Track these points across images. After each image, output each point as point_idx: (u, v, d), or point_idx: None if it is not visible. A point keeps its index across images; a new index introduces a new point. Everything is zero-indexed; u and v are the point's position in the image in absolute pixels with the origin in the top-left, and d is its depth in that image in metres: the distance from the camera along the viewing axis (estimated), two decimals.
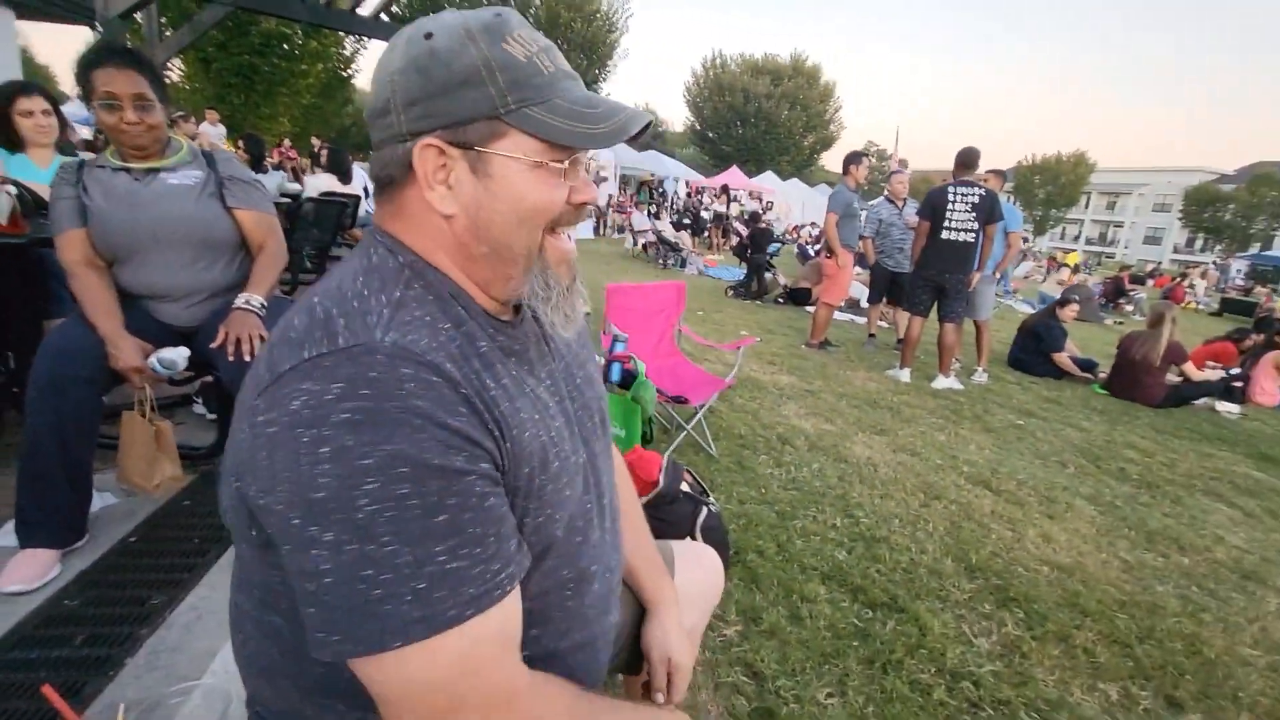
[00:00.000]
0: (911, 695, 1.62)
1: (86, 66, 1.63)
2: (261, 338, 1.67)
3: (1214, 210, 47.50)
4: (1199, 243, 53.30)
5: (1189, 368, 5.29)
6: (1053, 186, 47.58)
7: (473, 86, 0.60)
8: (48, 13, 5.03)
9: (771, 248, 9.55)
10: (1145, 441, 4.12)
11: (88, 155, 1.80)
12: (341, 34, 15.61)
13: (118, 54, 1.67)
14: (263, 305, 1.77)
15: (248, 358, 1.63)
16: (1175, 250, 56.40)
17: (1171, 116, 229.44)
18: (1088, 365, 5.72)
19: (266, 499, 0.55)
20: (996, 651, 1.84)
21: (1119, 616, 2.06)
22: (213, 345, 1.68)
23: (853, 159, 5.45)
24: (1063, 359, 5.63)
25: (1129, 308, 13.86)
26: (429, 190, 0.63)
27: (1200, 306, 17.80)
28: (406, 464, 0.53)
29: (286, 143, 11.89)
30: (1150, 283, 19.15)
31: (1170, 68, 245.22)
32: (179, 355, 1.71)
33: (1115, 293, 14.36)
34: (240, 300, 1.76)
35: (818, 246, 12.41)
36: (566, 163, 0.64)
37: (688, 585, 1.07)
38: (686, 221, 15.14)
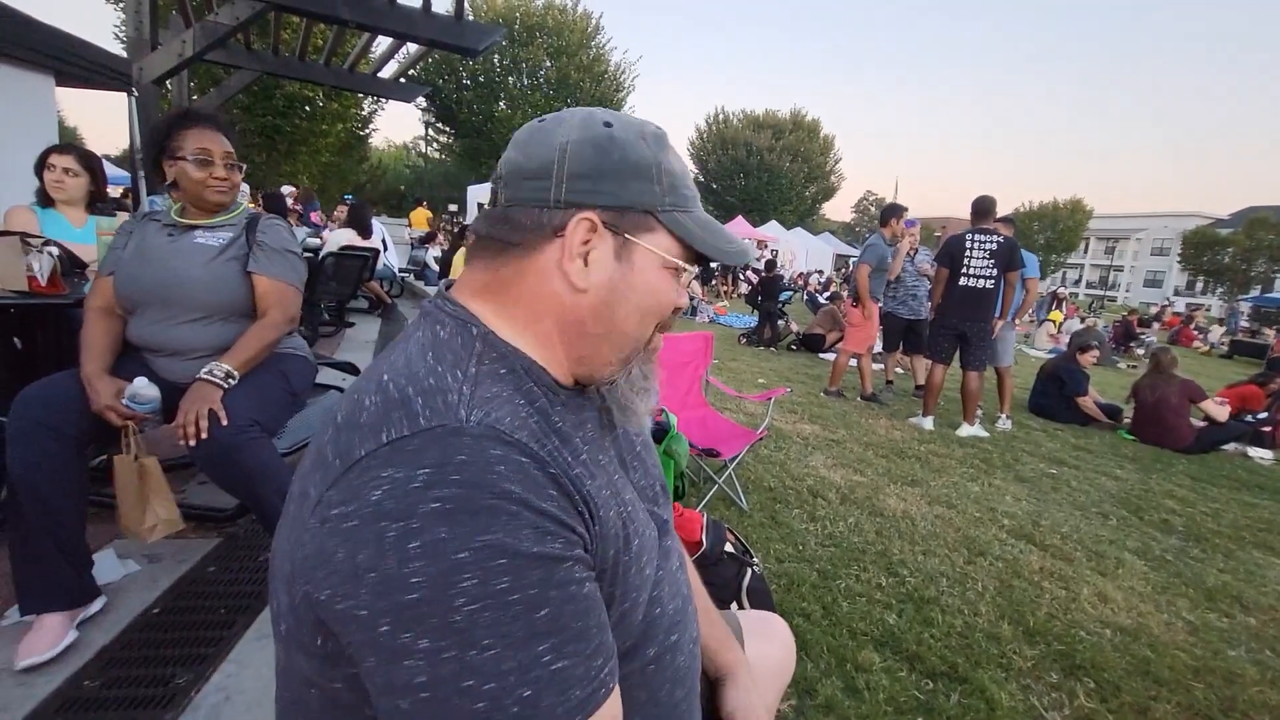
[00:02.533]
0: None
1: (176, 127, 1.70)
2: (213, 413, 1.55)
3: (1213, 253, 47.90)
4: (1199, 285, 53.57)
5: (1209, 406, 5.20)
6: (1051, 232, 48.21)
7: (642, 179, 0.64)
8: (87, 80, 5.22)
9: (783, 295, 9.60)
10: (1183, 490, 3.99)
11: (161, 201, 1.84)
12: (361, 95, 16.23)
13: (209, 117, 1.75)
14: (229, 375, 1.64)
15: (193, 442, 1.52)
16: (1176, 292, 56.67)
17: (1165, 163, 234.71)
18: (1112, 411, 5.63)
19: (346, 604, 0.49)
20: None
21: (1195, 685, 1.93)
22: (173, 425, 1.57)
23: (892, 211, 5.47)
24: (1087, 403, 5.54)
25: (1140, 350, 13.81)
26: (569, 261, 0.62)
27: (1212, 348, 17.71)
28: (505, 555, 0.48)
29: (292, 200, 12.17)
30: (1156, 325, 19.17)
31: (1163, 114, 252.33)
32: (151, 390, 1.63)
33: (1125, 336, 14.34)
34: (204, 370, 1.63)
35: (827, 294, 12.50)
36: (697, 270, 0.69)
37: (760, 661, 1.00)
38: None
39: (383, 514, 0.48)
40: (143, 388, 1.61)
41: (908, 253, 5.92)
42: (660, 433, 2.68)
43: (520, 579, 0.49)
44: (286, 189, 10.53)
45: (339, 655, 0.52)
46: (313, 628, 0.53)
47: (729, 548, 2.02)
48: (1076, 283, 62.06)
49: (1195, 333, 18.37)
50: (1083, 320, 14.55)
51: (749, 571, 1.96)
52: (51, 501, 1.51)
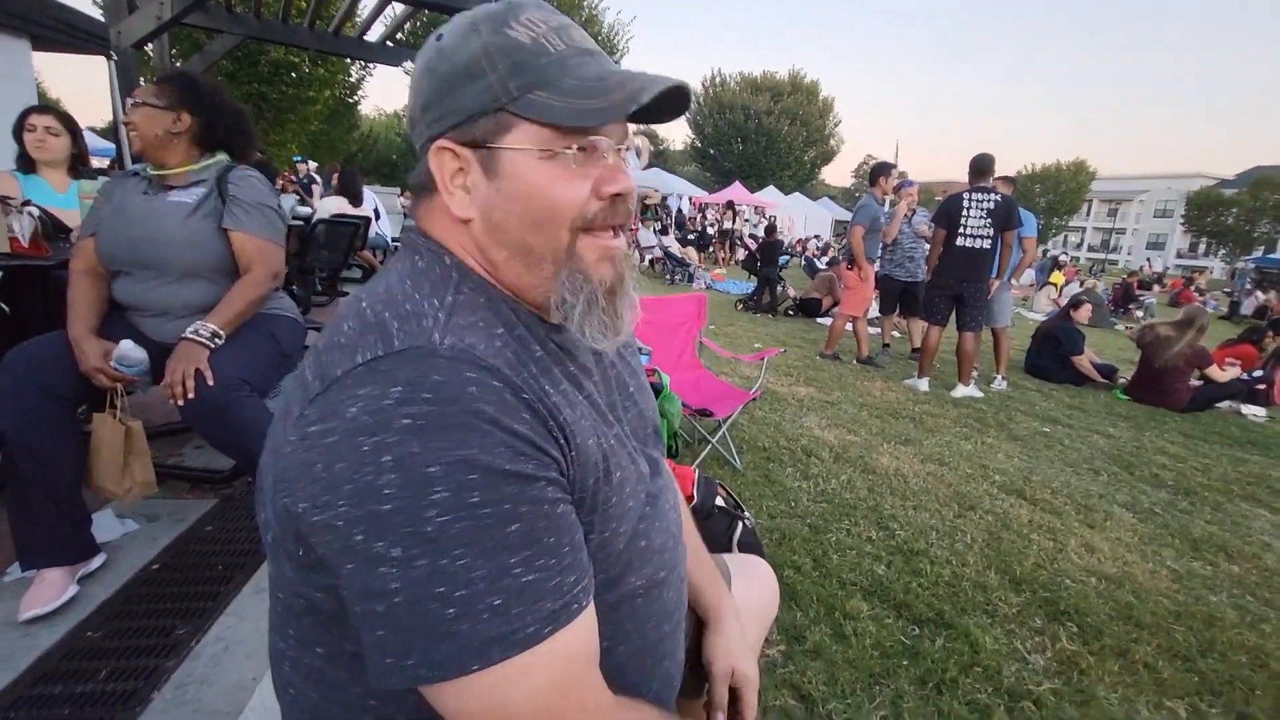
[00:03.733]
0: (970, 717, 1.54)
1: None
2: (198, 372, 1.55)
3: (1216, 215, 47.46)
4: (1202, 247, 53.21)
5: (1213, 371, 5.20)
6: (1053, 195, 47.67)
7: (474, 79, 0.57)
8: (64, 44, 5.08)
9: (781, 260, 9.53)
10: (1175, 447, 4.03)
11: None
12: (348, 61, 15.83)
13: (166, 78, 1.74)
14: (215, 335, 1.63)
15: (181, 401, 1.53)
16: (1179, 255, 56.33)
17: (1169, 123, 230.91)
18: (1108, 371, 5.65)
19: (323, 515, 0.50)
20: (1053, 668, 1.76)
21: (1176, 629, 1.97)
22: (160, 384, 1.58)
23: (881, 169, 5.40)
24: (1083, 362, 5.56)
25: (1139, 312, 13.78)
26: (447, 195, 0.61)
27: (1210, 310, 17.65)
28: (476, 470, 0.49)
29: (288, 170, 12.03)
30: (1157, 288, 19.04)
31: (1167, 75, 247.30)
32: (139, 352, 1.62)
33: (1124, 298, 14.30)
34: (189, 330, 1.62)
35: (825, 259, 12.42)
36: (575, 149, 0.58)
37: (745, 601, 1.02)
38: (692, 237, 15.17)
39: (358, 429, 0.49)
40: (129, 350, 1.61)
41: (905, 214, 5.86)
42: (653, 392, 2.69)
43: (492, 493, 0.49)
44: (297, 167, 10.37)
45: (319, 565, 0.54)
46: (294, 538, 0.54)
47: (720, 502, 2.04)
48: (1078, 246, 61.58)
49: (1196, 295, 18.29)
50: (1082, 283, 14.48)
51: (740, 525, 1.99)
52: (48, 459, 1.53)
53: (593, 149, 0.59)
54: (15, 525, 1.54)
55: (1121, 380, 5.52)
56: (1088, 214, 62.07)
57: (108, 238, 1.70)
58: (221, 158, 1.82)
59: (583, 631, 0.54)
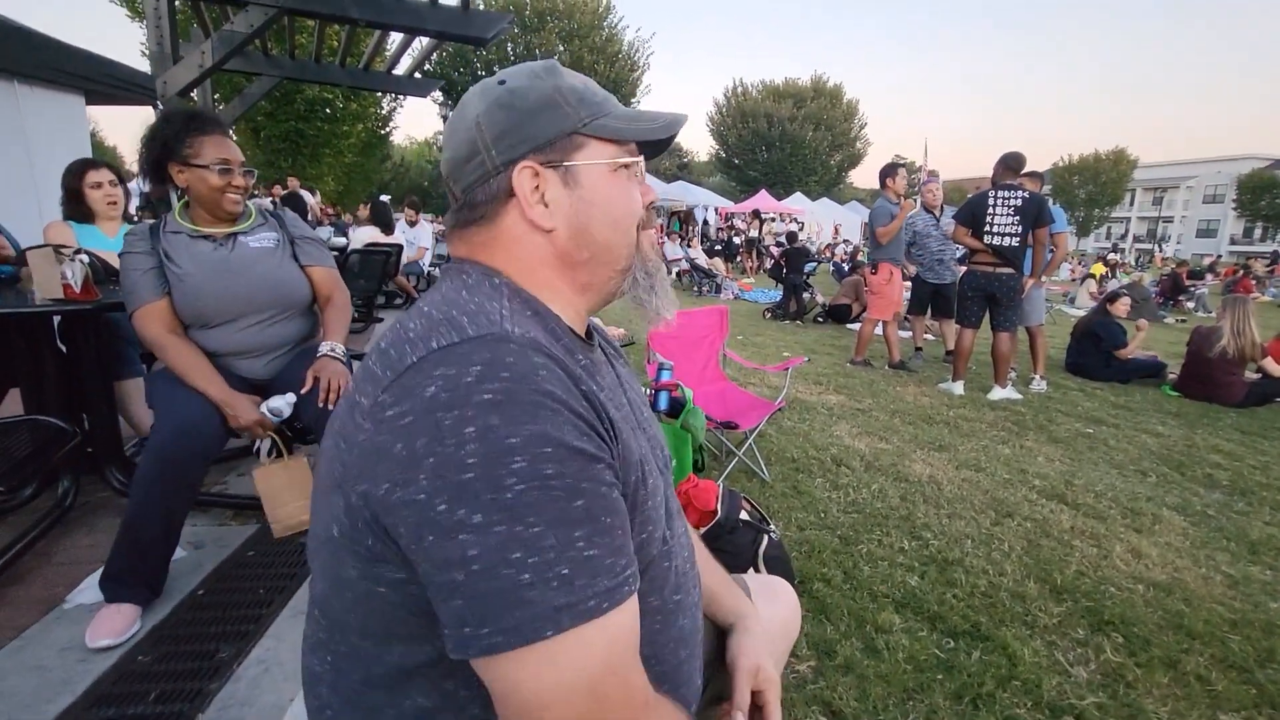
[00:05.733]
0: None
1: (191, 131, 1.71)
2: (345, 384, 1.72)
3: (1271, 198, 45.18)
4: (1257, 232, 50.68)
5: (1270, 364, 4.95)
6: (1093, 186, 46.14)
7: (551, 109, 0.68)
8: (114, 96, 5.42)
9: (808, 266, 9.46)
10: (1230, 444, 3.84)
11: (149, 221, 1.90)
12: (379, 94, 16.41)
13: (219, 122, 1.79)
14: (345, 352, 1.85)
15: (332, 405, 1.68)
16: (1232, 241, 53.71)
17: (1213, 104, 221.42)
18: (1156, 366, 5.42)
19: (404, 491, 0.52)
20: (1098, 681, 1.69)
21: (1231, 638, 1.88)
22: (304, 390, 1.74)
23: (888, 171, 5.36)
24: (1129, 354, 5.37)
25: (1190, 304, 13.18)
26: (530, 209, 0.68)
27: (1270, 298, 16.79)
28: (550, 444, 0.53)
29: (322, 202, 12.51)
30: (1210, 278, 18.19)
31: (1207, 53, 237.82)
32: (285, 401, 1.78)
33: (1174, 290, 13.69)
34: (325, 348, 1.83)
35: (851, 263, 12.27)
36: (637, 161, 0.72)
37: (766, 620, 1.01)
38: (718, 247, 15.17)
39: (438, 405, 0.52)
40: (282, 402, 1.77)
41: (934, 211, 5.76)
42: (677, 407, 2.70)
43: (564, 466, 0.53)
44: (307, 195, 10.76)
45: (390, 555, 0.56)
46: (368, 527, 0.56)
47: (745, 516, 2.04)
48: (1123, 237, 59.33)
49: (1253, 283, 17.40)
50: (1101, 282, 13.89)
51: (765, 538, 1.98)
52: (175, 517, 1.67)
53: (636, 167, 0.73)
54: (119, 559, 1.64)
55: (1171, 376, 5.29)
56: (1131, 204, 59.87)
57: (203, 293, 1.76)
58: (249, 204, 1.92)
59: (631, 615, 0.56)
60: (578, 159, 0.68)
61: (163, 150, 1.72)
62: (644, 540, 0.64)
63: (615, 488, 0.58)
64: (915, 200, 5.57)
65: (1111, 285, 12.63)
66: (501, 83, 0.70)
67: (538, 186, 0.68)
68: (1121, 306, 5.66)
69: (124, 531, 1.63)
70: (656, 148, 0.76)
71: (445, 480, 0.51)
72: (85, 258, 1.92)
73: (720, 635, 0.92)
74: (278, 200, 8.24)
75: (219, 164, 1.73)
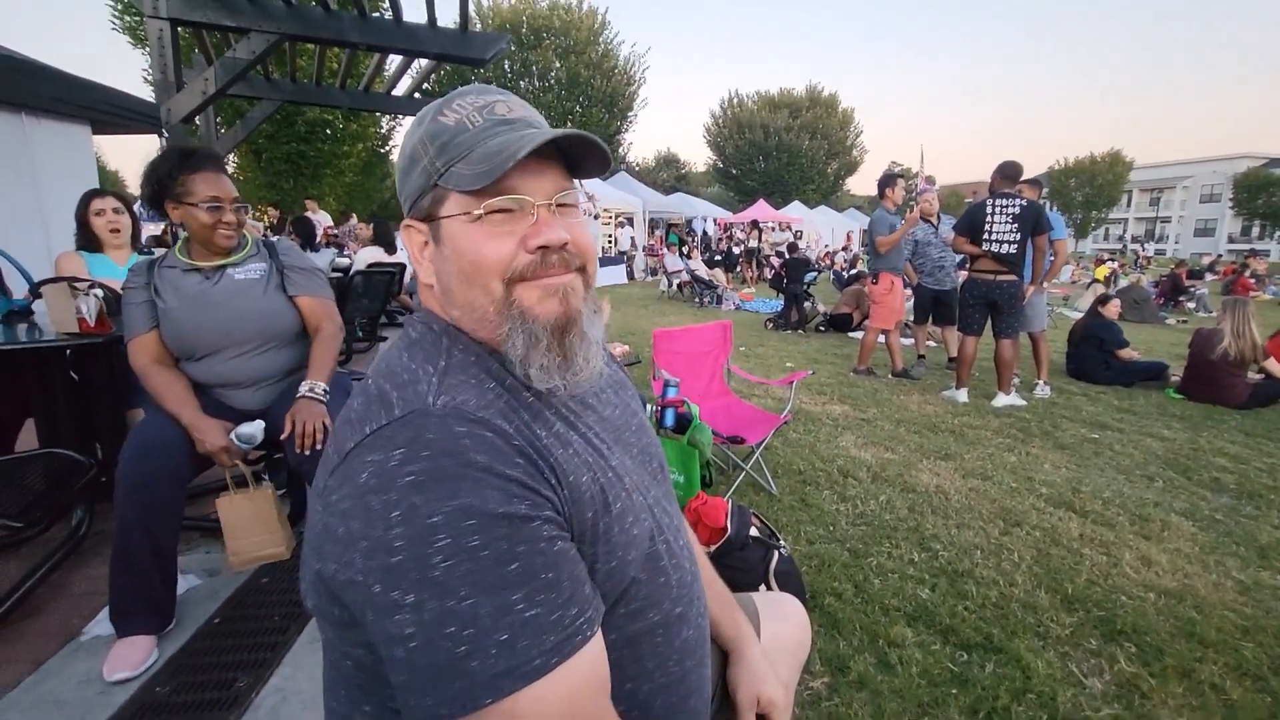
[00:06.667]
0: None
1: (183, 169, 1.75)
2: (325, 425, 1.72)
3: (1268, 195, 45.24)
4: (1255, 230, 50.72)
5: (1272, 364, 4.95)
6: (1090, 188, 46.27)
7: (416, 165, 0.68)
8: (119, 125, 5.49)
9: (808, 276, 9.49)
10: (1236, 447, 3.84)
11: (160, 250, 1.91)
12: (379, 115, 16.57)
13: (214, 159, 1.81)
14: (325, 391, 1.83)
15: (308, 451, 1.68)
16: (1230, 240, 53.73)
17: (1207, 104, 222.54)
18: (1158, 369, 5.43)
19: (347, 572, 0.56)
20: (1112, 692, 1.69)
21: (1244, 645, 1.88)
22: (282, 437, 1.74)
23: (887, 181, 5.40)
24: (1131, 354, 5.40)
25: (1190, 304, 13.18)
26: (417, 265, 0.71)
27: (1270, 297, 16.78)
28: (473, 516, 0.54)
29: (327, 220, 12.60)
30: (1209, 277, 18.18)
31: (1201, 53, 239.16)
32: (255, 429, 1.78)
33: (1174, 290, 13.69)
34: (304, 389, 1.80)
35: (852, 272, 12.30)
36: (487, 210, 0.64)
37: (774, 638, 1.03)
38: (718, 258, 15.23)
39: (368, 491, 0.56)
40: (253, 429, 1.77)
41: (932, 219, 5.80)
42: (683, 423, 2.71)
43: (489, 535, 0.54)
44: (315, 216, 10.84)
45: (352, 623, 0.59)
46: (330, 599, 0.60)
47: (754, 532, 2.05)
48: (1120, 238, 59.39)
49: (1252, 281, 17.40)
50: (1106, 284, 13.91)
51: (776, 554, 1.99)
52: (162, 539, 1.67)
53: (515, 208, 0.65)
54: (118, 591, 1.66)
55: (1174, 378, 5.30)
56: (1128, 205, 59.99)
57: (186, 326, 1.79)
58: (246, 234, 1.93)
59: (588, 662, 0.58)
60: (441, 212, 0.67)
61: (158, 188, 1.76)
62: (614, 568, 0.65)
63: (559, 539, 0.59)
64: (914, 210, 5.61)
65: (1121, 285, 12.62)
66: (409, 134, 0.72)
67: (426, 242, 0.70)
68: (1112, 309, 5.69)
69: (114, 560, 1.65)
70: (591, 164, 0.70)
71: (377, 563, 0.54)
72: (100, 291, 1.96)
73: (724, 657, 0.93)
74: (272, 225, 8.29)
75: (208, 202, 1.76)
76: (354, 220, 11.82)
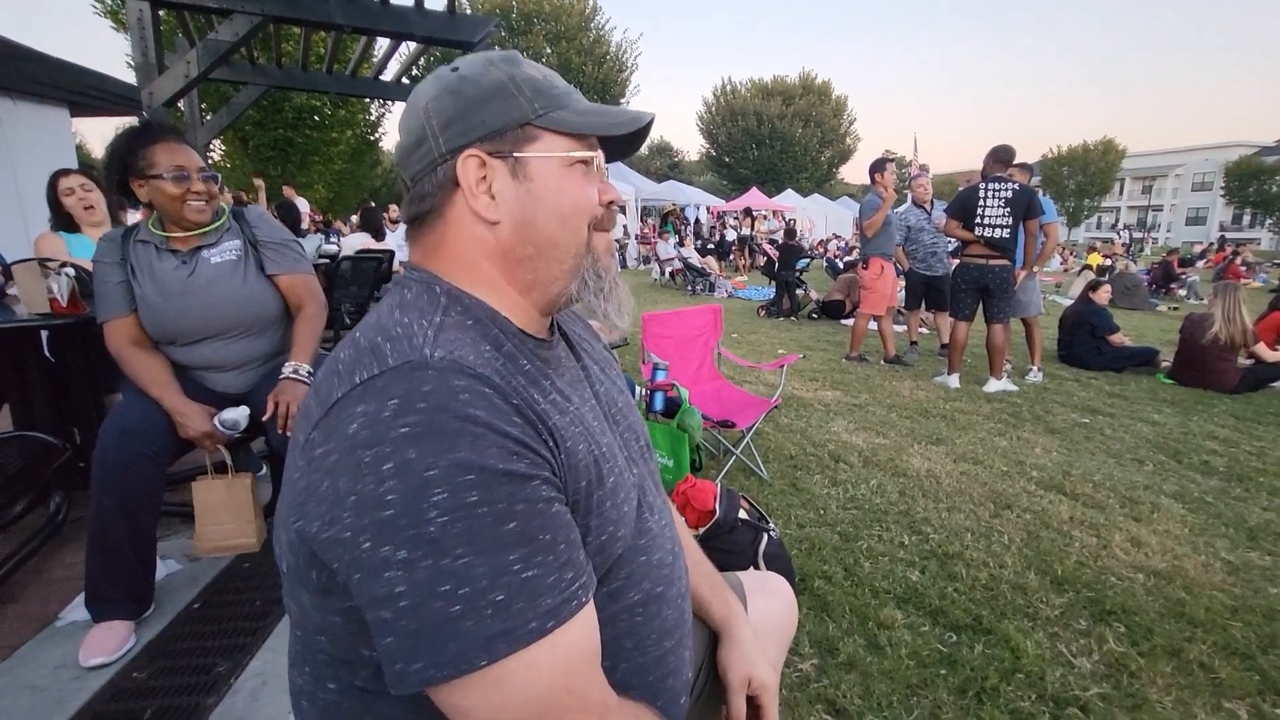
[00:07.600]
0: None
1: (141, 143, 1.64)
2: None
3: (1259, 183, 45.44)
4: (1246, 218, 51.04)
5: (1262, 349, 4.97)
6: (1082, 176, 46.32)
7: (503, 98, 0.65)
8: (99, 108, 5.38)
9: (801, 263, 9.46)
10: (1226, 430, 3.86)
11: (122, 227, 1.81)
12: (367, 101, 16.35)
13: (173, 130, 1.73)
14: (310, 373, 1.77)
15: (289, 432, 1.64)
16: (1222, 228, 54.00)
17: (1198, 93, 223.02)
18: (1149, 354, 5.45)
19: (332, 530, 0.52)
20: (1101, 672, 1.69)
21: (1233, 625, 1.88)
22: (264, 418, 1.69)
23: (877, 166, 5.37)
24: (1122, 339, 5.42)
25: (1182, 292, 13.25)
26: (474, 199, 0.65)
27: (1260, 284, 16.89)
28: (471, 471, 0.51)
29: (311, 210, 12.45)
30: (1200, 264, 18.28)
31: (1191, 41, 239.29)
32: (240, 414, 1.74)
33: (1165, 278, 13.76)
34: (288, 369, 1.75)
35: (848, 259, 12.29)
36: (583, 156, 0.67)
37: (762, 617, 1.01)
38: (711, 246, 15.17)
39: (358, 444, 0.52)
40: (237, 414, 1.73)
41: (925, 205, 5.78)
42: (673, 408, 2.69)
43: (488, 492, 0.51)
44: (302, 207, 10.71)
45: (333, 588, 0.56)
46: (308, 562, 0.56)
47: (743, 514, 2.03)
48: (1113, 226, 59.63)
49: (1243, 269, 17.49)
50: (1101, 272, 13.96)
51: (765, 537, 1.97)
52: (141, 524, 1.63)
53: (593, 164, 0.69)
54: (95, 576, 1.62)
55: (1164, 363, 5.32)
56: (1120, 193, 60.14)
57: (164, 314, 1.72)
58: (220, 204, 1.85)
59: (583, 628, 0.56)
60: (529, 151, 0.65)
61: (121, 168, 1.66)
62: (604, 541, 0.64)
63: (556, 501, 0.57)
64: (904, 193, 5.60)
65: (1122, 265, 12.62)
66: (455, 69, 0.67)
67: (485, 176, 0.65)
68: (1103, 295, 5.70)
69: (90, 544, 1.61)
70: (625, 146, 0.72)
71: (368, 519, 0.50)
72: (71, 271, 1.90)
73: (714, 637, 0.92)
74: (245, 201, 8.17)
75: (173, 171, 1.65)
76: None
